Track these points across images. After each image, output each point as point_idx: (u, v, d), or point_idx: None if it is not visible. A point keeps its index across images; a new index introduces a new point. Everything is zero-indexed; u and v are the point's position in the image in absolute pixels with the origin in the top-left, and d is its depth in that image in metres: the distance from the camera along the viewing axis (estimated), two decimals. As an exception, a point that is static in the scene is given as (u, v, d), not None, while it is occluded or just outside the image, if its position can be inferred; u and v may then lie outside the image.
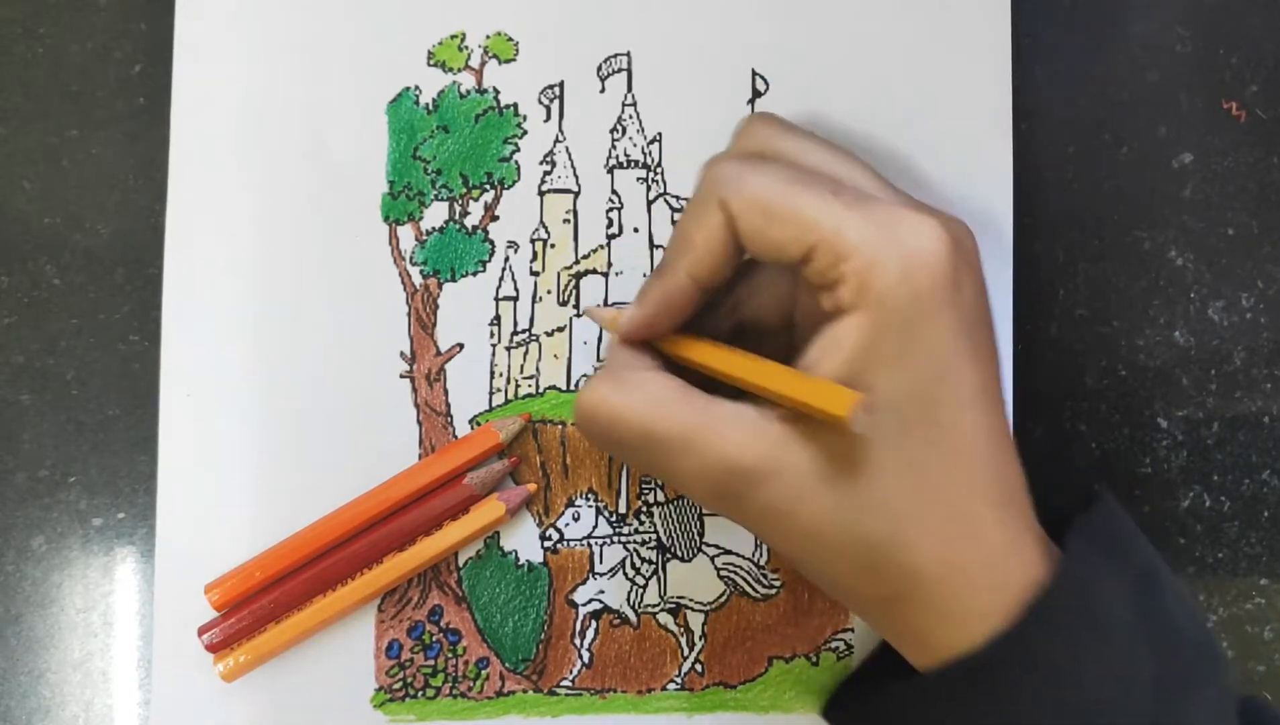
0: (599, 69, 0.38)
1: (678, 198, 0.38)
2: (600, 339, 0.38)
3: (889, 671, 0.33)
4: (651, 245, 0.38)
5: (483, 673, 0.37)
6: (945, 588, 0.29)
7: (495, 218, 0.38)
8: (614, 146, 0.38)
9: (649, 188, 0.38)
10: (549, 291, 0.38)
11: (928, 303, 0.28)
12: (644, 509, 0.38)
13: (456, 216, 0.38)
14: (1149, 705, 0.29)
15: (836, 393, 0.28)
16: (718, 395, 0.30)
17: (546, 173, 0.38)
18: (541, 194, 0.38)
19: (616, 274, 0.38)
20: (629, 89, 0.38)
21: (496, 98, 0.38)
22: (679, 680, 0.38)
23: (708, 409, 0.30)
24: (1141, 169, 0.40)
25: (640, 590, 0.38)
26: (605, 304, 0.38)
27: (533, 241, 0.38)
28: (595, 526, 0.38)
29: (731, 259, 0.31)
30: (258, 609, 0.36)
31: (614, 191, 0.38)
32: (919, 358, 0.28)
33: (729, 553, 0.38)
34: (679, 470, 0.30)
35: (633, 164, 0.38)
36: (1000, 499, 0.29)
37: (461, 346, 0.37)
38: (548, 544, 0.38)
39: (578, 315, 0.38)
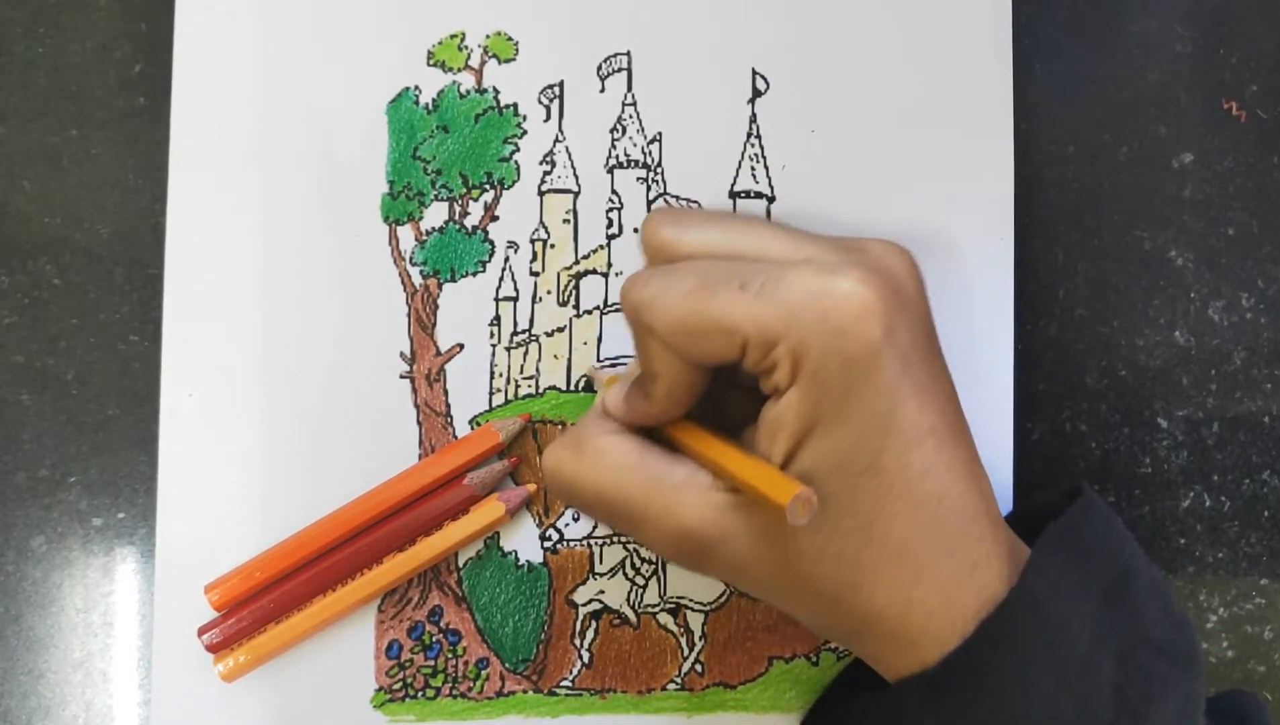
0: (599, 69, 0.38)
1: (678, 198, 0.38)
2: (600, 340, 0.38)
3: (864, 681, 0.34)
4: (651, 245, 0.38)
5: (483, 673, 0.37)
6: (901, 622, 0.30)
7: (495, 218, 0.38)
8: (614, 146, 0.38)
9: (649, 188, 0.38)
10: (549, 292, 0.38)
11: (858, 364, 0.28)
12: (644, 509, 0.38)
13: (456, 216, 0.38)
14: (1109, 715, 0.29)
15: (780, 484, 0.28)
16: (678, 452, 0.31)
17: (546, 173, 0.38)
18: (541, 194, 0.38)
19: (616, 274, 0.38)
20: (629, 89, 0.38)
21: (496, 97, 0.38)
22: (679, 680, 0.38)
23: (660, 477, 0.31)
24: (1141, 169, 0.40)
25: (640, 590, 0.38)
26: (605, 305, 0.38)
27: (533, 241, 0.38)
28: (595, 526, 0.38)
29: (697, 372, 0.31)
30: (258, 609, 0.36)
31: (614, 191, 0.38)
32: (857, 416, 0.29)
33: (729, 553, 0.38)
34: (637, 534, 0.31)
35: (633, 164, 0.38)
36: (954, 528, 0.30)
37: (461, 347, 0.37)
38: (548, 544, 0.38)
39: (578, 315, 0.38)
